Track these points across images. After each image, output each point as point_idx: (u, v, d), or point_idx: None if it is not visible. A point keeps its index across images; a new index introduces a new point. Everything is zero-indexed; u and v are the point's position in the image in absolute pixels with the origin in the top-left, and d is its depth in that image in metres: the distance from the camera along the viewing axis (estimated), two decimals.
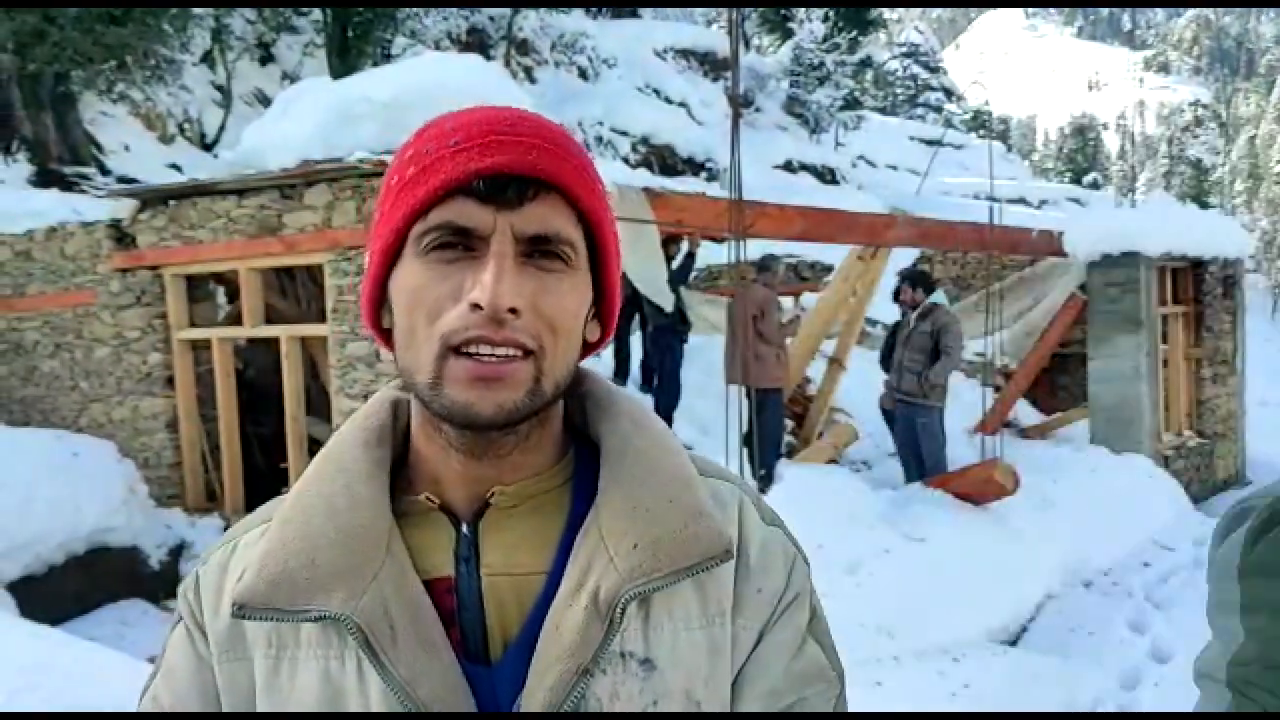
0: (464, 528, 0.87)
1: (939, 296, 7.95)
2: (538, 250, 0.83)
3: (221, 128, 15.62)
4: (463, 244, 0.82)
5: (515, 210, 0.82)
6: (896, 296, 8.06)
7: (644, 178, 17.13)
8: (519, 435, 0.86)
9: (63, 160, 12.98)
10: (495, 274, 0.80)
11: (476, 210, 0.82)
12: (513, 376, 0.81)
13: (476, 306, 0.79)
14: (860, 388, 9.29)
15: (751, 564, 0.90)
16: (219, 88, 16.38)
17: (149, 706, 0.91)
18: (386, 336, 0.90)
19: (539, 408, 0.84)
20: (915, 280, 8.01)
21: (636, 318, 8.86)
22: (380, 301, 0.89)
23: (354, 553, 0.83)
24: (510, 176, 0.82)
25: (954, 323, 7.77)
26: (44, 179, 12.37)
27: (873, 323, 11.25)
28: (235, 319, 7.44)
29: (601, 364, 9.18)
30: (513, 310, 0.80)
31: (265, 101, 15.82)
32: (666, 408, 8.02)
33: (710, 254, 10.27)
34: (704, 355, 8.92)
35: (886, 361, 8.16)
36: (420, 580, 0.85)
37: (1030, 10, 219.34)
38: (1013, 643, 6.18)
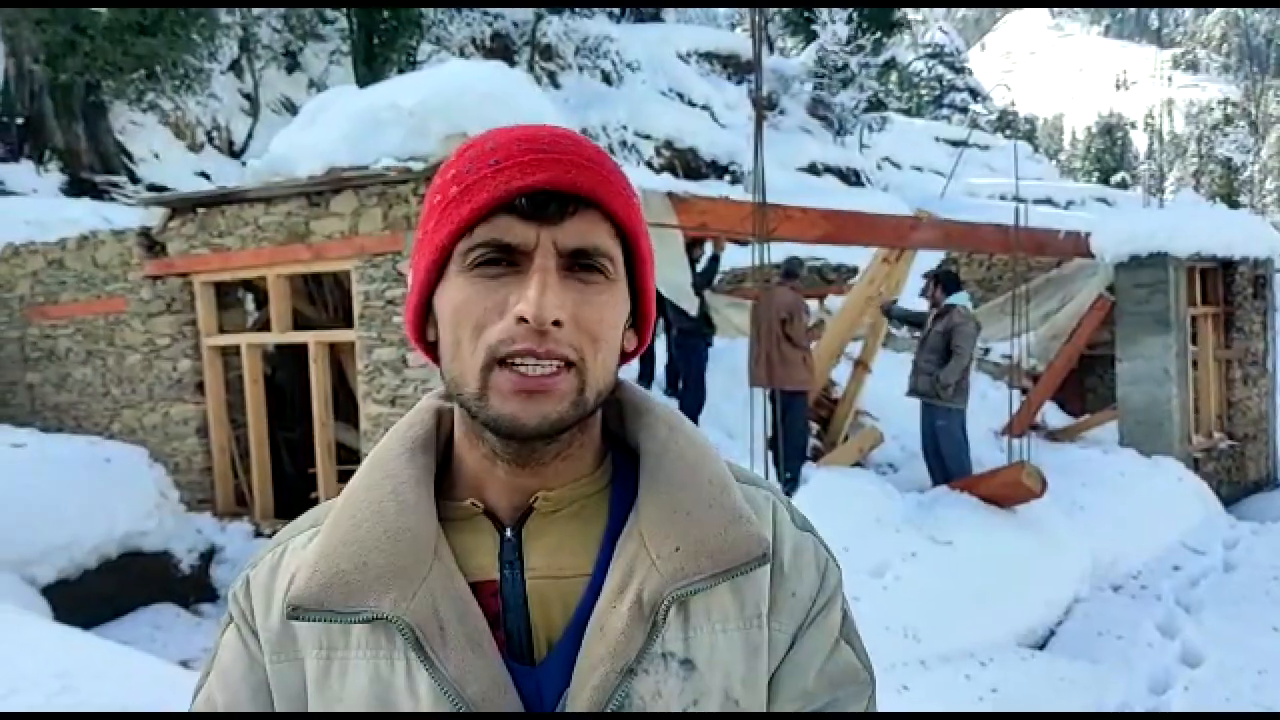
0: (508, 532, 0.90)
1: (961, 298, 7.89)
2: (578, 264, 0.86)
3: (249, 135, 15.79)
4: (506, 260, 0.86)
5: (557, 225, 0.85)
6: (924, 293, 8.09)
7: (668, 181, 17.16)
8: (561, 443, 0.89)
9: (94, 169, 13.17)
10: (540, 287, 0.83)
11: (520, 226, 0.85)
12: (556, 389, 0.84)
13: (522, 320, 0.82)
14: (885, 390, 9.27)
15: (786, 568, 0.93)
16: (247, 96, 16.56)
17: (203, 706, 0.94)
18: (430, 349, 0.93)
19: (582, 417, 0.88)
20: (939, 279, 7.99)
21: (661, 321, 8.88)
22: (425, 316, 0.93)
23: (403, 555, 0.86)
24: (552, 193, 0.85)
25: (965, 323, 7.71)
26: (76, 188, 12.56)
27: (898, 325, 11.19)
28: (264, 325, 7.52)
29: (627, 368, 9.19)
30: (556, 323, 0.83)
31: (292, 109, 15.98)
32: (692, 411, 8.02)
33: (734, 257, 10.27)
34: (729, 358, 8.92)
35: (908, 322, 8.25)
36: (466, 583, 0.87)
37: (1056, 9, 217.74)
38: (1040, 647, 6.14)
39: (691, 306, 7.65)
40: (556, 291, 0.83)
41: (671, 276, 7.17)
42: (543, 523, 0.91)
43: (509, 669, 0.85)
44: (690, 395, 8.20)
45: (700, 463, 0.93)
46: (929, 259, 11.72)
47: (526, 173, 0.84)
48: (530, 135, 0.88)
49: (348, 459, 7.06)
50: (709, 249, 8.19)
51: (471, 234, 0.86)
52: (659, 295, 7.74)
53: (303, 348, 7.02)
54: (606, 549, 0.90)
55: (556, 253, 0.85)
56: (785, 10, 26.66)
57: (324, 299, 7.77)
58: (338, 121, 6.28)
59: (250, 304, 8.55)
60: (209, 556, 6.75)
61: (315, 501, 6.96)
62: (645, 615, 0.84)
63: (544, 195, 0.85)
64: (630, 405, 0.99)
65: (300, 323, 7.28)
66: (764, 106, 22.42)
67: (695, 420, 7.87)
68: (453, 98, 5.84)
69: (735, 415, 8.06)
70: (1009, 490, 6.65)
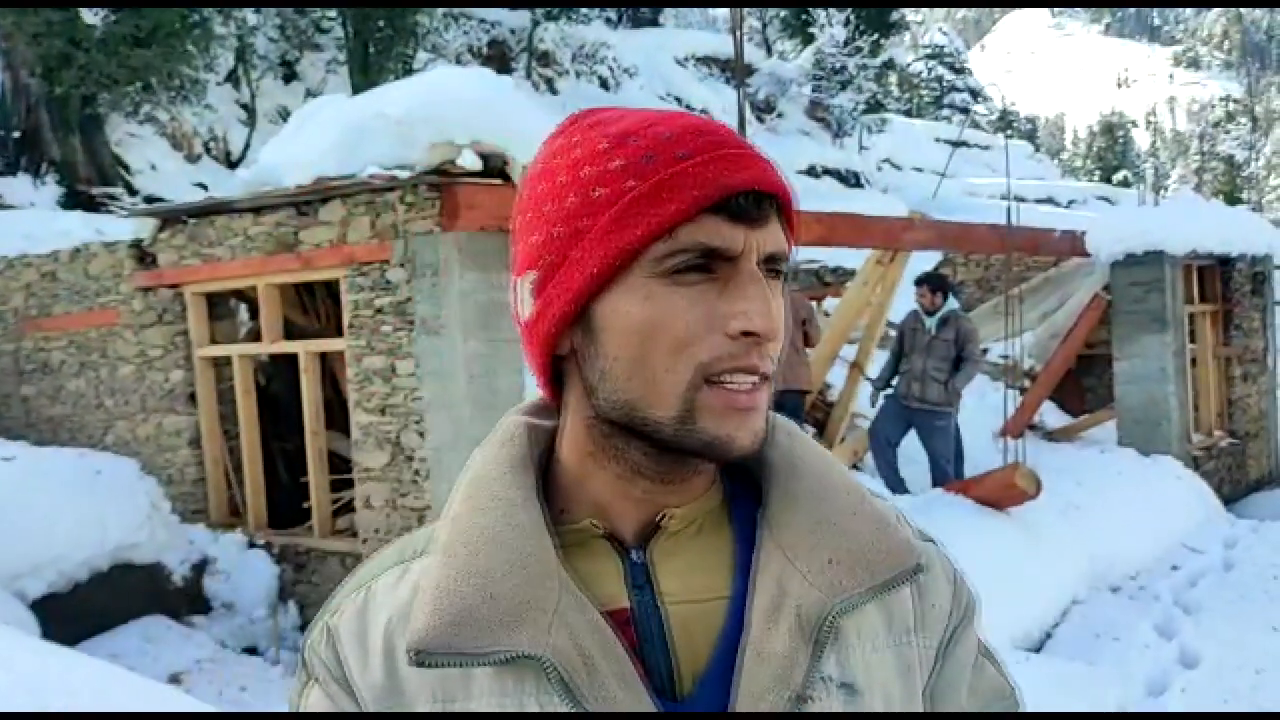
0: (634, 554, 0.83)
1: (953, 301, 7.87)
2: (768, 269, 0.81)
3: (247, 145, 15.80)
4: (707, 266, 0.78)
5: (761, 228, 0.79)
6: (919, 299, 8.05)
7: None
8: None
9: (91, 181, 13.19)
10: (764, 299, 0.78)
11: (729, 229, 0.78)
12: (761, 403, 0.80)
13: (748, 334, 0.77)
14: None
15: (922, 580, 0.87)
16: (244, 106, 16.59)
17: None
18: (555, 363, 0.85)
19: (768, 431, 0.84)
20: (933, 284, 7.95)
21: None
22: (570, 325, 0.82)
23: (530, 584, 0.78)
24: (761, 193, 0.79)
25: (974, 329, 7.75)
26: (73, 200, 12.58)
27: (892, 326, 11.18)
28: (256, 335, 7.51)
29: None
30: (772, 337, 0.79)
31: (289, 118, 15.99)
32: None
33: None
34: None
35: (897, 362, 8.09)
36: (599, 611, 0.80)
37: (1056, 9, 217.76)
38: (1037, 649, 6.11)
39: None
40: (775, 301, 0.79)
41: None
42: (671, 543, 0.84)
43: (657, 704, 0.77)
44: None
45: (830, 470, 0.88)
46: (926, 261, 11.69)
47: (737, 167, 0.78)
48: (700, 125, 0.81)
49: (342, 468, 7.05)
50: None
51: (673, 236, 0.77)
52: None
53: (297, 358, 7.01)
54: (741, 567, 0.83)
55: (759, 258, 0.79)
56: (783, 13, 26.65)
57: (316, 308, 7.76)
58: (325, 131, 6.26)
59: (244, 314, 8.55)
60: (201, 568, 6.73)
61: (308, 512, 6.95)
62: (807, 635, 0.78)
63: (755, 195, 0.78)
64: None
65: (293, 332, 7.27)
66: (760, 109, 22.37)
67: None
68: (440, 106, 5.82)
69: None
70: (1003, 493, 6.63)
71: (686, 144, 0.78)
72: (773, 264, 0.81)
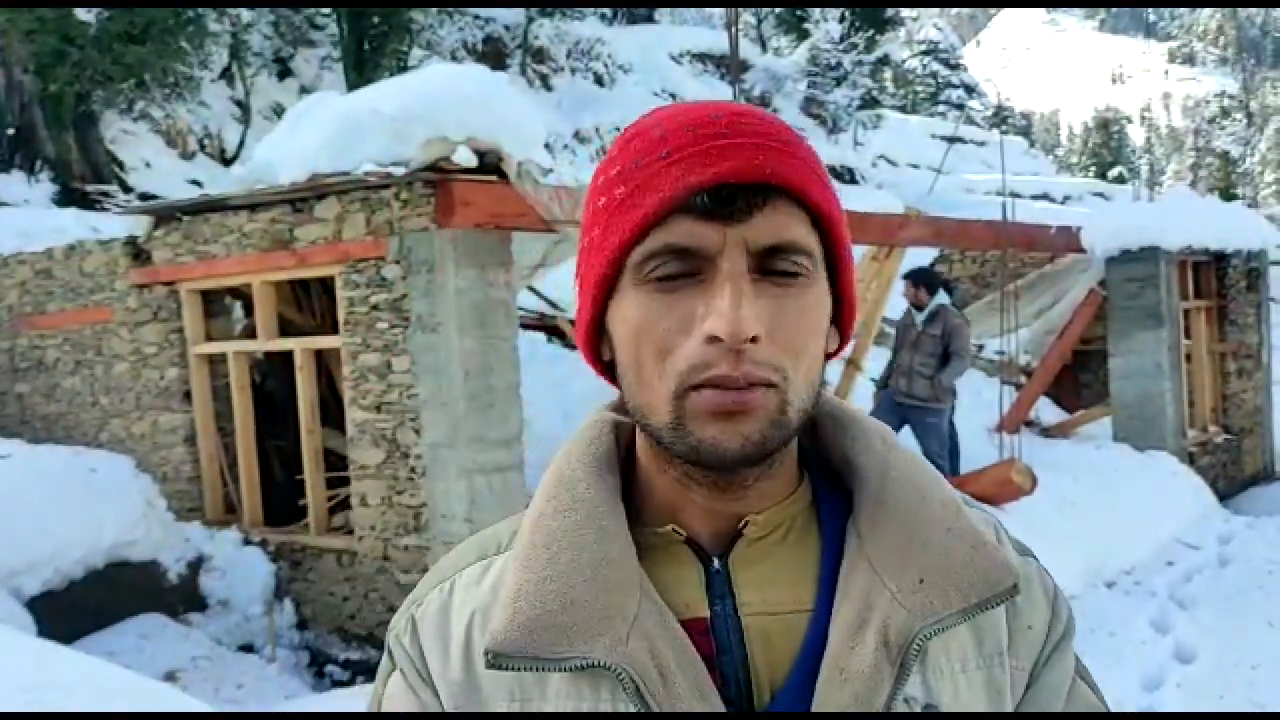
0: (715, 563, 0.81)
1: (943, 296, 7.84)
2: (772, 265, 0.76)
3: (241, 142, 15.77)
4: (686, 268, 0.75)
5: (745, 222, 0.74)
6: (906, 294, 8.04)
7: None
8: (764, 464, 0.79)
9: (85, 179, 13.17)
10: (732, 299, 0.72)
11: (701, 228, 0.74)
12: (756, 406, 0.74)
13: (714, 339, 0.72)
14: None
15: (1019, 599, 0.82)
16: (238, 103, 16.56)
17: None
18: (606, 370, 0.84)
19: (786, 440, 0.77)
20: (919, 279, 7.93)
21: None
22: (599, 334, 0.82)
23: (611, 591, 0.77)
24: (736, 186, 0.74)
25: (962, 324, 7.69)
26: (67, 198, 12.54)
27: (889, 322, 11.18)
28: (251, 333, 7.50)
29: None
30: (754, 339, 0.73)
31: (283, 115, 15.96)
32: None
33: None
34: None
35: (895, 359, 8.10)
36: (677, 621, 0.78)
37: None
38: None
39: None
40: (751, 301, 0.73)
41: None
42: (752, 551, 0.81)
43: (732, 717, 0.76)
44: None
45: (928, 482, 0.84)
46: (922, 257, 11.69)
47: (705, 163, 0.73)
48: (704, 118, 0.77)
49: (338, 465, 7.04)
50: None
51: (645, 241, 0.75)
52: None
53: (292, 355, 7.00)
54: (827, 580, 0.80)
55: (748, 254, 0.74)
56: (778, 9, 26.65)
57: (311, 306, 7.74)
58: (320, 127, 6.25)
59: (239, 311, 8.53)
60: (197, 565, 6.72)
61: (304, 510, 6.94)
62: (893, 656, 0.75)
63: (728, 189, 0.73)
64: (832, 416, 0.89)
65: (288, 330, 7.25)
66: (756, 106, 22.45)
67: None
68: (433, 102, 5.81)
69: None
70: (999, 488, 6.64)
71: (671, 141, 0.76)
72: (778, 258, 0.75)
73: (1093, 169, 58.24)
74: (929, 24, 42.54)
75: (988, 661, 0.81)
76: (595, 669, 0.74)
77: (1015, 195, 8.21)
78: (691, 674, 0.75)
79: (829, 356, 0.84)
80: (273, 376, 8.03)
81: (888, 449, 0.86)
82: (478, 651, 0.79)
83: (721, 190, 0.73)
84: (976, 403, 9.97)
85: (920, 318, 7.78)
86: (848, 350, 9.35)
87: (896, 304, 9.37)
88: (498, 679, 0.78)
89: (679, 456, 0.77)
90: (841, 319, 0.85)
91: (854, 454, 0.85)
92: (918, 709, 0.76)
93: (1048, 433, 10.62)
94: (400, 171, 5.69)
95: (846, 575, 0.79)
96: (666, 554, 0.82)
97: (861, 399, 9.26)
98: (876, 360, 9.30)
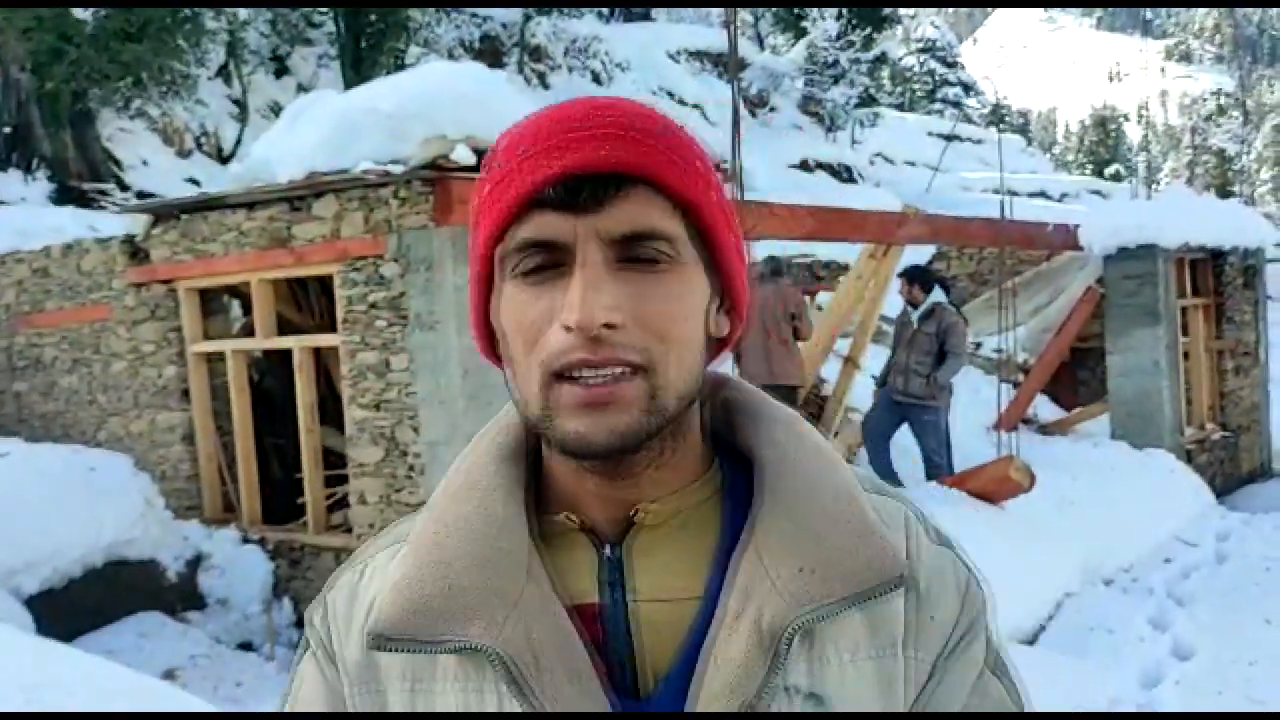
0: (608, 550, 0.82)
1: (938, 294, 7.83)
2: (633, 253, 0.76)
3: (238, 141, 15.76)
4: (550, 260, 0.77)
5: (597, 213, 0.75)
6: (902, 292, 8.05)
7: None
8: (651, 452, 0.80)
9: (82, 177, 13.16)
10: (583, 288, 0.74)
11: (555, 220, 0.76)
12: (623, 397, 0.75)
13: (569, 328, 0.74)
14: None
15: (923, 589, 0.83)
16: (235, 101, 16.55)
17: None
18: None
19: (661, 425, 0.78)
20: (913, 277, 7.92)
21: None
22: (490, 332, 0.84)
23: (493, 578, 0.78)
24: (584, 177, 0.75)
25: (957, 322, 7.67)
26: (64, 196, 12.53)
27: (887, 320, 11.20)
28: (250, 331, 7.49)
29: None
30: (611, 325, 0.74)
31: (281, 113, 15.94)
32: None
33: None
34: None
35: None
36: (564, 607, 0.79)
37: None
38: (1030, 642, 6.12)
39: None
40: (606, 289, 0.74)
41: None
42: (647, 538, 0.82)
43: (614, 703, 0.77)
44: None
45: (825, 472, 0.84)
46: (919, 256, 11.70)
47: (554, 157, 0.75)
48: (563, 115, 0.79)
49: (337, 464, 7.04)
50: None
51: (507, 237, 0.78)
52: None
53: (291, 353, 7.00)
54: (719, 568, 0.81)
55: (603, 243, 0.75)
56: (775, 8, 26.65)
57: (309, 304, 7.74)
58: (318, 125, 6.25)
59: (237, 309, 8.52)
60: (196, 564, 6.72)
61: (303, 508, 6.94)
62: (766, 645, 0.75)
63: (576, 180, 0.75)
64: (740, 406, 0.89)
65: (286, 328, 7.25)
66: (753, 104, 22.33)
67: None
68: (431, 100, 5.81)
69: None
70: (997, 485, 6.64)
71: (529, 139, 0.78)
72: (638, 245, 0.76)
73: (1090, 167, 58.33)
74: (926, 22, 42.52)
75: (880, 651, 0.80)
76: (474, 652, 0.76)
77: (1013, 193, 8.21)
78: (569, 659, 0.76)
79: (723, 344, 0.85)
80: (271, 375, 8.03)
81: (790, 438, 0.86)
82: None
83: (569, 182, 0.75)
84: (975, 400, 9.97)
85: (915, 315, 7.78)
86: (845, 347, 9.34)
87: (895, 302, 9.39)
88: (393, 659, 0.80)
89: (554, 447, 0.79)
90: (732, 302, 0.85)
91: (757, 444, 0.86)
92: (800, 697, 0.77)
93: (1045, 430, 10.63)
94: (398, 170, 5.69)
95: (735, 564, 0.79)
96: (564, 541, 0.83)
97: (861, 397, 9.28)
98: (877, 358, 9.30)
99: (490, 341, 0.85)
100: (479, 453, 0.87)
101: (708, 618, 0.79)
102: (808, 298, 12.20)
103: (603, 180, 0.75)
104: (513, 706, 0.76)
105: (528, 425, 0.82)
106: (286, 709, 0.88)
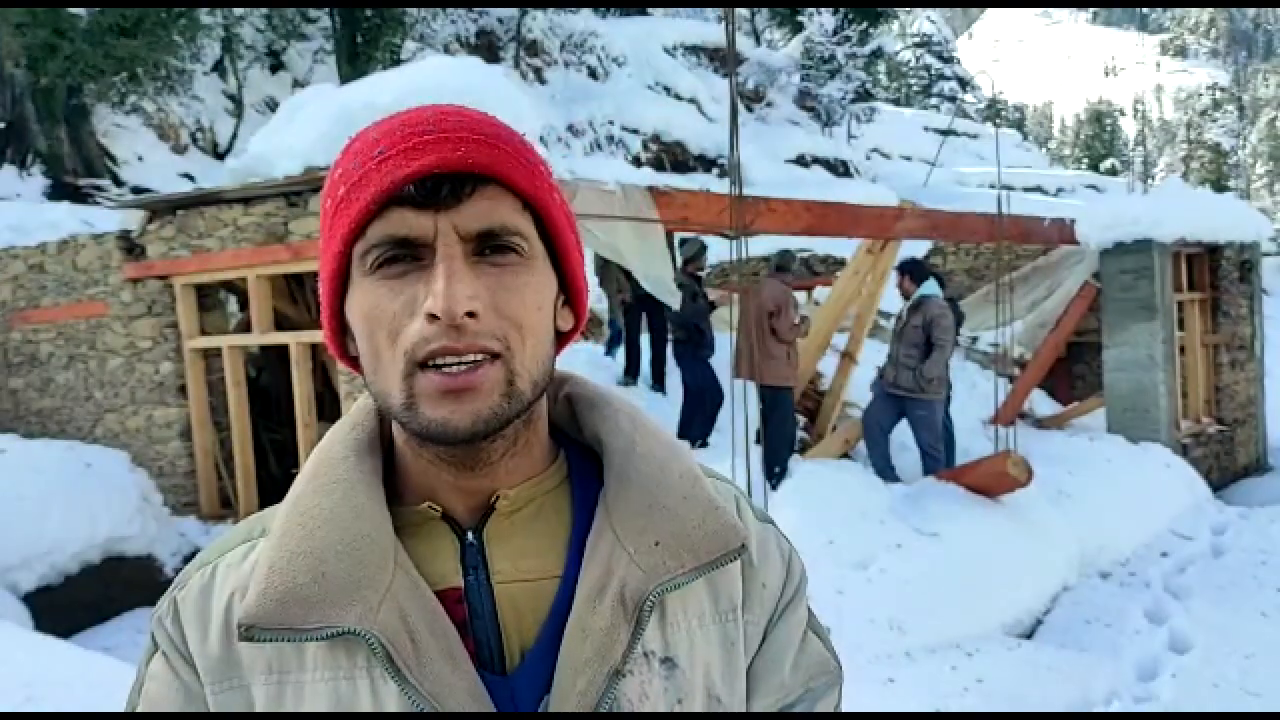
0: (469, 536, 0.86)
1: (931, 287, 7.81)
2: (488, 247, 0.81)
3: (234, 136, 15.73)
4: (409, 255, 0.80)
5: (454, 209, 0.79)
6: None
7: (655, 175, 17.13)
8: (507, 440, 0.84)
9: (77, 173, 13.11)
10: (446, 278, 0.77)
11: (414, 217, 0.79)
12: (483, 383, 0.79)
13: (434, 316, 0.77)
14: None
15: (755, 560, 0.91)
16: (231, 96, 16.50)
17: None
18: (354, 363, 0.88)
19: (519, 410, 0.82)
20: (905, 269, 7.90)
21: (645, 317, 8.80)
22: (342, 330, 0.87)
23: (363, 565, 0.81)
24: (443, 175, 0.79)
25: (944, 315, 7.62)
26: (59, 192, 12.49)
27: (885, 315, 11.20)
28: (246, 327, 7.48)
29: (616, 365, 9.18)
30: (471, 314, 0.78)
31: (276, 109, 15.90)
32: (710, 413, 7.95)
33: (720, 250, 10.25)
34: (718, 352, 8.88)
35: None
36: (431, 591, 0.83)
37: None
38: (1027, 636, 6.13)
39: (674, 301, 7.60)
40: (466, 280, 0.78)
41: (654, 271, 7.14)
42: (504, 525, 0.86)
43: (481, 679, 0.81)
44: (688, 406, 8.07)
45: (668, 456, 0.90)
46: (916, 250, 11.70)
47: (412, 158, 0.79)
48: (414, 119, 0.82)
49: None
50: (710, 294, 8.30)
51: (365, 234, 0.80)
52: (648, 295, 7.69)
53: (288, 349, 6.99)
54: (575, 548, 0.86)
55: (460, 238, 0.79)
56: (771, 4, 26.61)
57: (306, 299, 7.73)
58: (315, 121, 6.24)
59: (234, 305, 8.51)
60: (193, 559, 6.71)
61: None
62: (629, 614, 0.82)
63: (435, 179, 0.79)
64: (583, 399, 0.95)
65: (283, 323, 7.24)
66: (749, 98, 22.32)
67: (713, 417, 7.84)
68: (429, 96, 5.76)
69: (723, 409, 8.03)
70: (994, 480, 6.65)
71: (384, 142, 0.81)
72: (492, 240, 0.81)
73: (1086, 161, 58.33)
74: (922, 17, 42.52)
75: (722, 617, 0.88)
76: (348, 637, 0.78)
77: (1009, 188, 8.22)
78: (443, 639, 0.80)
79: (566, 337, 0.91)
80: (268, 370, 8.03)
81: (634, 427, 0.92)
82: (236, 628, 0.81)
83: (428, 180, 0.79)
84: (972, 395, 9.99)
85: (904, 308, 7.77)
86: (843, 342, 9.33)
87: (894, 297, 9.40)
88: (255, 653, 0.82)
89: (415, 435, 0.82)
90: (572, 298, 0.91)
91: (604, 433, 0.92)
92: (655, 661, 0.83)
93: (1042, 425, 10.65)
94: None
95: (593, 543, 0.85)
96: (424, 530, 0.86)
97: (859, 391, 9.29)
98: (877, 353, 9.31)
99: (341, 339, 0.88)
100: (335, 447, 0.90)
101: (568, 594, 0.84)
102: (806, 293, 12.22)
103: (459, 179, 0.80)
104: (383, 691, 0.79)
105: (389, 416, 0.85)
106: (136, 709, 0.87)
